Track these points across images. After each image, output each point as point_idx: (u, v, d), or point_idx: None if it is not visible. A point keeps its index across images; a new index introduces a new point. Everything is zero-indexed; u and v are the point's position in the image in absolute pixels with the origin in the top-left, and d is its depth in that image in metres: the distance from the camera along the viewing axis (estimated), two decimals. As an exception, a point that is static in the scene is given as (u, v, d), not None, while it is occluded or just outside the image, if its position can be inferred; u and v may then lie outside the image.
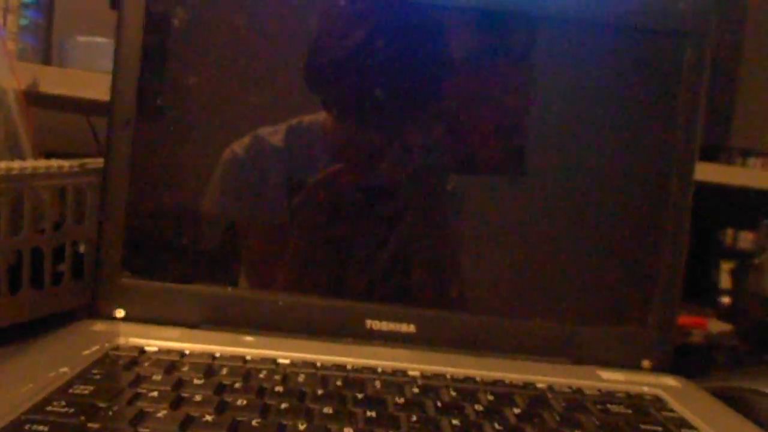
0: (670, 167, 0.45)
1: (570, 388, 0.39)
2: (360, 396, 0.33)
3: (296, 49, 0.45)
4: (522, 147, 0.46)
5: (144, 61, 0.43)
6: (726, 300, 0.65)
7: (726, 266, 0.78)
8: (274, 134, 0.44)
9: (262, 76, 0.45)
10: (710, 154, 0.70)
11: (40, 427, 0.26)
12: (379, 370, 0.38)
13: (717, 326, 0.70)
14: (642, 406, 0.37)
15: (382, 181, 0.45)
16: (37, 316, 0.46)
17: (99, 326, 0.41)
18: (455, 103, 0.45)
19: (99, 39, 0.50)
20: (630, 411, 0.36)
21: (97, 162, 0.46)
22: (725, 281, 0.78)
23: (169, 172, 0.45)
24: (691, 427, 0.34)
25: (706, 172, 0.65)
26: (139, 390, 0.31)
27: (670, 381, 0.42)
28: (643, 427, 0.33)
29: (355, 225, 0.45)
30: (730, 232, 0.83)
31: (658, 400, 0.38)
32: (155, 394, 0.31)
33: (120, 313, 0.43)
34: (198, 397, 0.31)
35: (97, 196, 0.46)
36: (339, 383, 0.35)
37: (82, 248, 0.50)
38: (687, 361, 0.50)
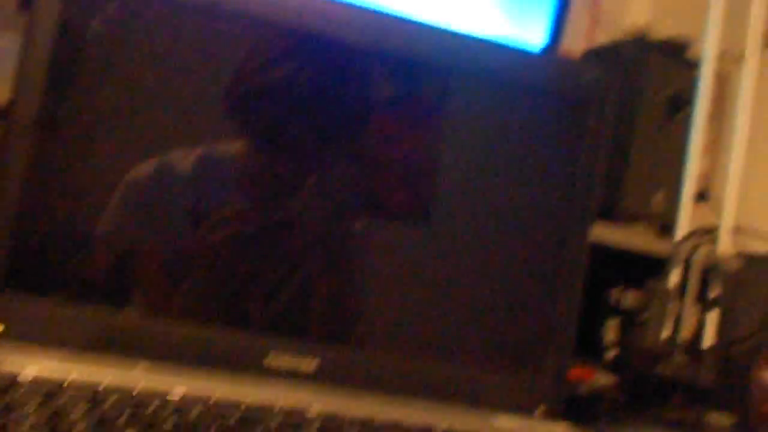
0: (569, 227, 0.48)
1: (467, 432, 0.39)
2: (256, 436, 0.32)
3: (215, 76, 0.44)
4: (429, 195, 0.47)
5: (52, 67, 0.41)
6: (611, 354, 0.68)
7: (611, 323, 0.83)
8: (182, 161, 0.43)
9: (176, 100, 0.44)
10: (602, 214, 0.75)
11: None
12: (277, 408, 0.37)
13: (602, 379, 0.73)
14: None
15: (290, 216, 0.44)
16: None
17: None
18: (368, 146, 0.46)
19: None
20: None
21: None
22: (610, 337, 0.82)
23: (67, 186, 0.42)
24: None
25: (597, 232, 0.70)
26: (9, 420, 0.28)
27: (560, 429, 0.44)
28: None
29: (259, 258, 0.44)
30: (615, 291, 0.89)
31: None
32: (25, 428, 0.28)
33: (-1, 327, 0.39)
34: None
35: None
36: (234, 421, 0.33)
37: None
38: (575, 410, 0.52)
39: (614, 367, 0.67)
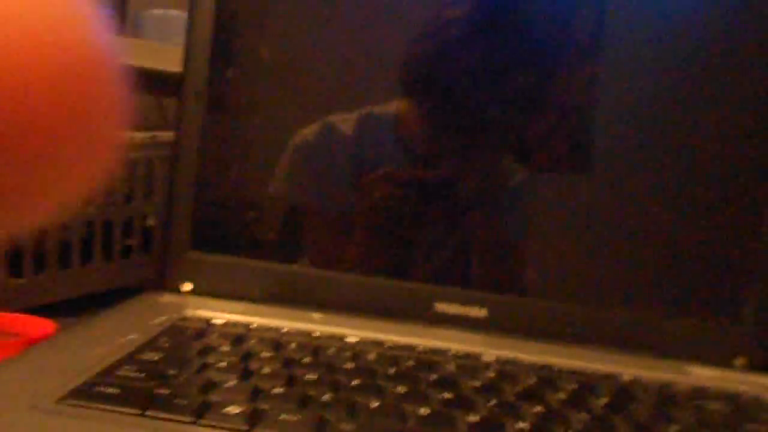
0: (759, 154, 0.41)
1: (658, 382, 0.36)
2: (433, 377, 0.32)
3: (375, 37, 0.43)
4: (589, 140, 0.43)
5: (216, 33, 0.43)
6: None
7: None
8: (344, 122, 0.43)
9: (339, 61, 0.44)
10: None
11: (111, 390, 0.25)
12: (451, 353, 0.36)
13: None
14: (741, 406, 0.33)
15: (450, 172, 0.43)
16: (108, 287, 0.46)
17: (166, 298, 0.40)
18: (527, 95, 0.43)
19: (174, 11, 0.50)
20: (728, 410, 0.33)
21: (168, 135, 0.46)
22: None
23: (239, 148, 0.45)
24: (799, 429, 0.31)
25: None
26: (208, 360, 0.30)
27: (765, 381, 0.39)
28: (747, 426, 0.30)
29: (421, 211, 0.43)
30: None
31: (758, 400, 0.35)
32: (224, 364, 0.30)
33: (187, 286, 0.42)
34: (267, 370, 0.30)
35: (166, 170, 0.46)
36: (410, 363, 0.33)
37: (151, 222, 0.50)
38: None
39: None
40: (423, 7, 0.44)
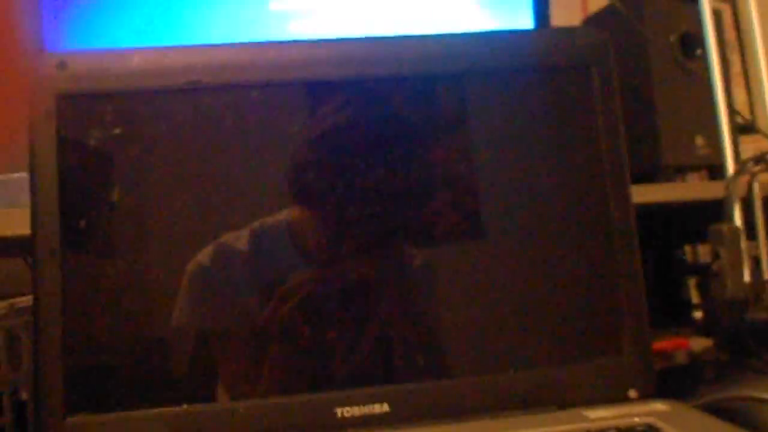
0: (607, 196, 0.45)
1: (558, 435, 0.36)
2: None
3: (243, 151, 0.44)
4: (476, 209, 0.46)
5: (63, 187, 0.42)
6: (698, 315, 0.64)
7: (693, 282, 0.79)
8: (238, 240, 0.43)
9: (214, 184, 0.44)
10: (647, 177, 0.71)
11: None
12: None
13: (698, 344, 0.69)
14: (634, 438, 0.35)
15: (352, 273, 0.44)
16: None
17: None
18: (413, 177, 0.45)
19: (15, 175, 0.49)
20: (623, 446, 0.34)
21: (27, 300, 0.44)
22: (696, 297, 0.78)
23: (104, 298, 0.43)
24: (688, 449, 0.32)
25: (647, 193, 0.66)
26: None
27: (659, 406, 0.40)
28: (638, 459, 0.31)
29: (322, 318, 0.43)
30: (689, 248, 0.84)
31: (650, 428, 0.36)
32: None
33: (71, 457, 0.39)
34: None
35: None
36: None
37: (24, 395, 0.46)
38: (674, 383, 0.49)
39: (705, 327, 0.63)
40: (298, 117, 0.45)
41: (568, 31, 0.47)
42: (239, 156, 0.44)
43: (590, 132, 0.46)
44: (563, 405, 0.42)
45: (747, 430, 0.34)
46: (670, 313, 0.80)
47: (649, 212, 0.83)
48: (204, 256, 0.42)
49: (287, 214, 0.44)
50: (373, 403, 0.41)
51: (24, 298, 0.45)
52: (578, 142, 0.46)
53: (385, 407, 0.41)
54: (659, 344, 0.68)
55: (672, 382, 0.48)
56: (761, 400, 0.39)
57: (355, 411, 0.41)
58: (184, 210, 0.43)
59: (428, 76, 0.45)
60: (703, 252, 0.80)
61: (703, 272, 0.72)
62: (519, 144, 0.46)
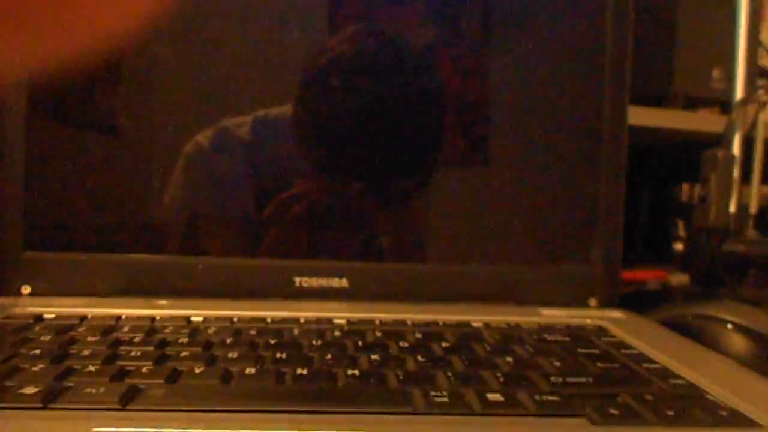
0: (602, 109, 0.43)
1: (507, 324, 0.36)
2: (273, 341, 0.31)
3: (252, 40, 0.42)
4: (479, 134, 0.44)
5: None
6: (679, 246, 0.63)
7: (681, 219, 0.77)
8: (239, 127, 0.41)
9: (219, 67, 0.42)
10: (657, 102, 0.69)
11: None
12: (302, 320, 0.35)
13: (678, 278, 0.68)
14: (581, 335, 0.34)
15: (349, 175, 0.42)
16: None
17: (1, 301, 0.37)
18: (420, 98, 0.43)
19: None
20: (568, 339, 0.33)
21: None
22: (680, 233, 0.77)
23: (72, 135, 0.42)
24: (630, 347, 0.32)
25: (652, 117, 0.64)
26: (20, 350, 0.28)
27: (615, 314, 0.40)
28: (579, 350, 0.31)
29: (279, 182, 0.42)
30: (686, 187, 0.82)
31: (599, 329, 0.36)
32: (37, 351, 0.28)
33: (26, 289, 0.39)
34: (86, 352, 0.28)
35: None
36: (253, 332, 0.32)
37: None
38: (641, 303, 0.48)
39: (684, 262, 0.62)
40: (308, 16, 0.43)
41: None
42: (243, 36, 0.42)
43: (598, 38, 0.43)
44: (522, 303, 0.41)
45: (693, 342, 0.34)
46: (658, 250, 0.79)
47: (649, 145, 0.81)
48: (204, 138, 0.41)
49: (292, 109, 0.42)
50: (333, 276, 0.41)
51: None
52: (584, 47, 0.44)
53: (344, 282, 0.41)
54: (637, 273, 0.68)
55: (641, 304, 0.48)
56: (712, 318, 0.38)
57: (314, 282, 0.41)
58: (179, 81, 0.42)
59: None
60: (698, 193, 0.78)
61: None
62: (523, 54, 0.44)
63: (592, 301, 0.43)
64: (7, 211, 0.40)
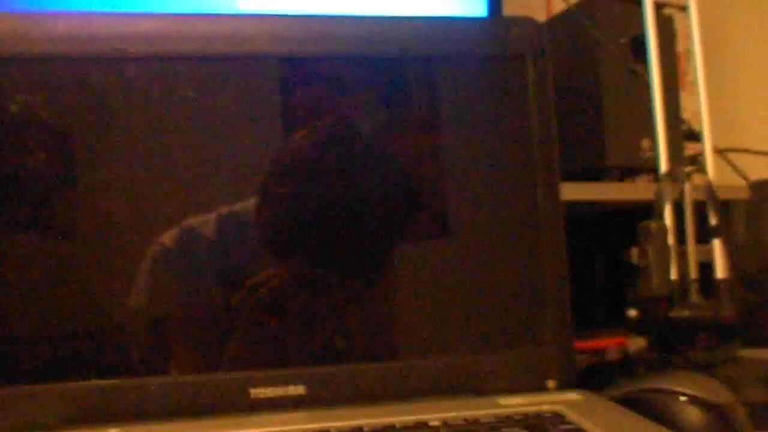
0: (536, 188, 0.45)
1: (465, 419, 0.36)
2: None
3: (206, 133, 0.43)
4: (405, 203, 0.45)
5: None
6: (633, 313, 0.65)
7: (629, 282, 0.79)
8: (204, 224, 0.41)
9: (176, 166, 0.42)
10: (592, 177, 0.72)
11: None
12: (259, 436, 0.35)
13: (635, 344, 0.69)
14: (538, 425, 0.35)
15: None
16: None
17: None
18: (371, 176, 0.44)
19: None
20: (524, 430, 0.33)
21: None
22: (630, 296, 0.78)
23: (18, 252, 0.42)
24: (586, 434, 0.32)
25: (588, 190, 0.67)
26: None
27: (573, 396, 0.40)
28: (535, 443, 0.31)
29: (244, 277, 0.42)
30: (635, 250, 0.85)
31: (556, 415, 0.36)
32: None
33: (-33, 428, 0.38)
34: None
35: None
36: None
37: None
38: (602, 377, 0.49)
39: (638, 329, 0.63)
40: (228, 94, 0.43)
41: (503, 20, 0.47)
42: (181, 136, 0.43)
43: (523, 123, 0.46)
44: (480, 392, 0.41)
45: (650, 420, 0.35)
46: (615, 312, 0.80)
47: (598, 214, 0.84)
48: (168, 239, 0.41)
49: (255, 204, 0.42)
50: (288, 384, 0.41)
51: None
52: (512, 135, 0.46)
53: (300, 389, 0.41)
54: (595, 342, 0.69)
55: (603, 377, 0.49)
56: (666, 392, 0.39)
57: (269, 392, 0.41)
58: (115, 188, 0.42)
59: (367, 57, 0.45)
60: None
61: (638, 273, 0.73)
62: (455, 134, 0.46)
63: (551, 383, 0.43)
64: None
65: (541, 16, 1.02)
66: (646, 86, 0.73)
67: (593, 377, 0.50)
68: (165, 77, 0.43)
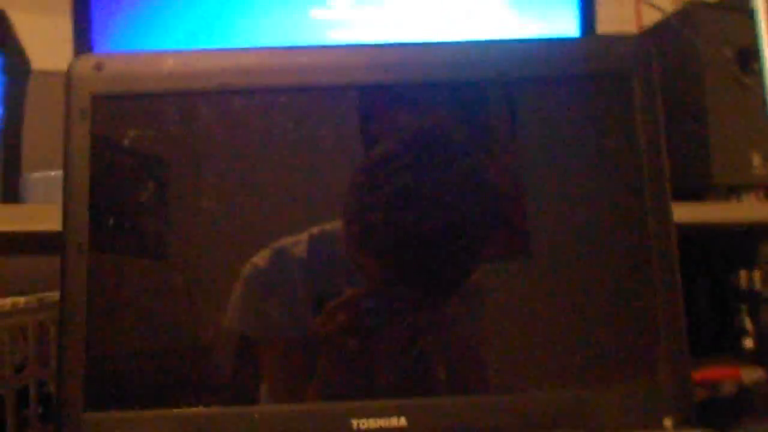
0: (646, 212, 0.43)
1: (580, 461, 0.34)
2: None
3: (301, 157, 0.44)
4: (512, 227, 0.44)
5: (94, 185, 0.43)
6: (749, 344, 0.60)
7: (746, 309, 0.74)
8: (295, 245, 0.42)
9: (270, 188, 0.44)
10: (698, 196, 0.68)
11: None
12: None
13: (750, 374, 0.64)
14: (663, 470, 0.32)
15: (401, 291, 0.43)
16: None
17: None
18: (462, 195, 0.44)
19: (53, 173, 0.50)
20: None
21: (57, 295, 0.45)
22: (749, 325, 0.73)
23: (130, 297, 0.43)
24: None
25: (696, 212, 0.63)
26: None
27: (695, 437, 0.38)
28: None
29: (354, 335, 0.42)
30: (743, 273, 0.79)
31: (681, 459, 0.34)
32: None
33: (86, 452, 0.39)
34: None
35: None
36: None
37: (51, 388, 0.47)
38: (719, 413, 0.46)
39: (757, 358, 0.59)
40: (332, 123, 0.44)
41: (609, 39, 0.45)
42: (276, 162, 0.43)
43: (631, 144, 0.44)
44: (590, 429, 0.39)
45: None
46: (722, 341, 0.75)
47: (703, 235, 0.79)
48: (261, 259, 0.42)
49: (345, 223, 0.43)
50: (390, 416, 0.40)
51: (54, 293, 0.46)
52: (618, 155, 0.44)
53: (402, 421, 0.40)
54: (707, 373, 0.64)
55: (718, 413, 0.45)
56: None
57: (371, 423, 0.40)
58: (214, 212, 0.43)
59: (465, 83, 0.44)
60: (759, 278, 0.75)
61: (758, 299, 0.68)
62: (557, 156, 0.44)
63: (667, 421, 0.40)
64: (69, 371, 0.40)
65: (631, 29, 0.98)
66: (754, 98, 0.69)
67: (708, 414, 0.47)
68: (263, 107, 0.44)
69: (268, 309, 0.42)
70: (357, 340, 0.42)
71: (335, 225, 0.42)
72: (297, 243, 0.42)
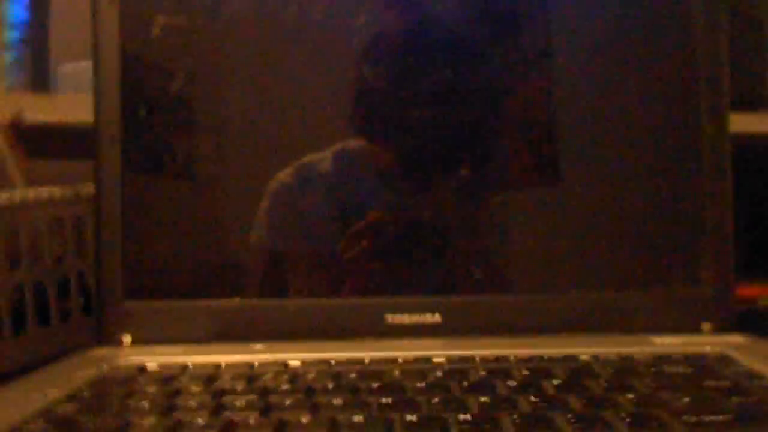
0: (702, 119, 0.41)
1: (618, 355, 0.34)
2: (375, 385, 0.30)
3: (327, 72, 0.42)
4: (555, 131, 0.42)
5: (125, 75, 0.42)
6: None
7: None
8: (321, 160, 0.42)
9: (293, 102, 0.43)
10: (751, 106, 0.64)
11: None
12: (400, 360, 0.34)
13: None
14: (704, 365, 0.32)
15: (427, 202, 0.42)
16: (46, 355, 0.44)
17: (102, 351, 0.38)
18: (492, 113, 0.42)
19: (84, 63, 0.49)
20: (690, 370, 0.31)
21: (91, 187, 0.45)
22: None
23: (162, 184, 0.43)
24: (764, 378, 0.29)
25: (748, 122, 0.60)
26: (129, 402, 0.28)
27: (736, 339, 0.37)
28: (707, 383, 0.29)
29: (365, 212, 0.42)
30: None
31: (722, 357, 0.33)
32: (145, 404, 0.28)
33: (127, 338, 0.40)
34: (192, 403, 0.28)
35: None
36: (353, 376, 0.31)
37: (91, 280, 0.48)
38: (757, 323, 0.45)
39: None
40: (373, 43, 0.42)
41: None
42: (317, 74, 0.42)
43: (689, 47, 0.41)
44: (629, 330, 0.39)
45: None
46: (763, 261, 0.73)
47: (752, 149, 0.76)
48: (286, 175, 0.41)
49: (369, 139, 0.42)
50: (425, 312, 0.40)
51: (87, 184, 0.46)
52: (676, 57, 0.42)
53: (437, 317, 0.40)
54: (746, 290, 0.63)
55: (757, 323, 0.44)
56: None
57: (405, 319, 0.40)
58: (247, 108, 0.42)
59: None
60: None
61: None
62: (610, 59, 0.42)
63: (706, 326, 0.39)
64: (107, 261, 0.41)
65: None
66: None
67: (747, 324, 0.46)
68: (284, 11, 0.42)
69: (296, 223, 0.42)
70: (391, 241, 0.41)
71: (358, 142, 0.41)
72: (322, 159, 0.41)
